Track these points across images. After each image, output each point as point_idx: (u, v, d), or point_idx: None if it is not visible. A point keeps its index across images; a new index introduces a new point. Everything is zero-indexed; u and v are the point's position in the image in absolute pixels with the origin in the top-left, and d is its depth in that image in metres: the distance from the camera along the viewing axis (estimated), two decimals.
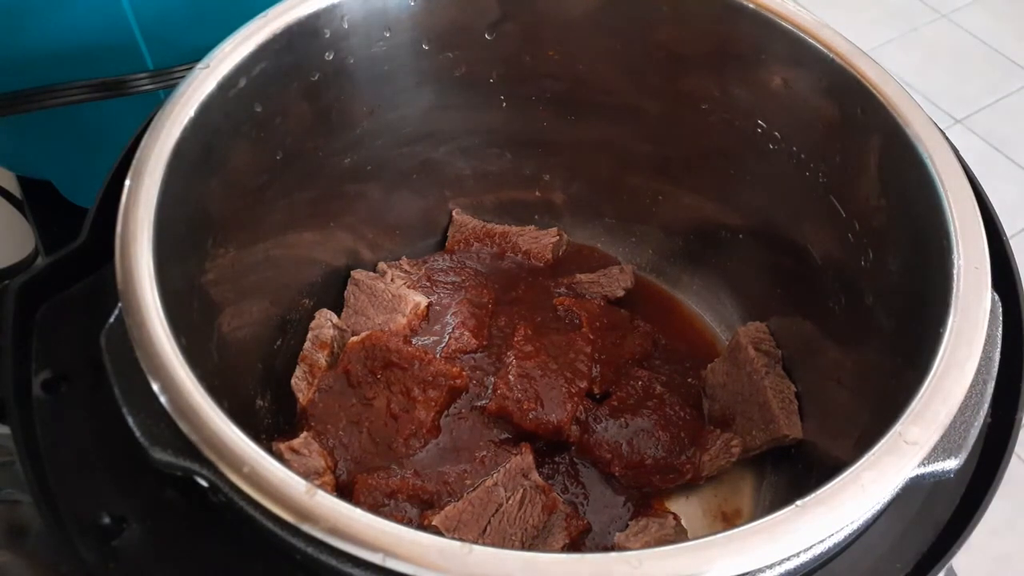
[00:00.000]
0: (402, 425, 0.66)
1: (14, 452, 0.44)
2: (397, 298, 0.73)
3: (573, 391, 0.68)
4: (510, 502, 0.61)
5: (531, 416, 0.66)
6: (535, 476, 0.63)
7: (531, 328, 0.73)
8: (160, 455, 0.41)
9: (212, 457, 0.39)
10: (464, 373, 0.68)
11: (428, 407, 0.66)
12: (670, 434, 0.68)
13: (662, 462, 0.67)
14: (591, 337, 0.72)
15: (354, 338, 0.69)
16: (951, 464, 0.42)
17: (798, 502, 0.38)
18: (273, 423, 0.67)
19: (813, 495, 0.39)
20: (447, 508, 0.59)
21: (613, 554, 0.36)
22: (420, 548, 0.36)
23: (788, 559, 0.38)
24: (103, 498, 0.43)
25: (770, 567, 0.38)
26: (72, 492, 0.43)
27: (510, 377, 0.68)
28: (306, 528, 0.37)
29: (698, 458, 0.67)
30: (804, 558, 0.39)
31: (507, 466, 0.63)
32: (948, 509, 0.46)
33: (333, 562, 0.38)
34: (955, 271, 0.47)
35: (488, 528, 0.60)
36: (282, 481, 0.38)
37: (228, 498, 0.40)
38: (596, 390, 0.70)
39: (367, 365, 0.67)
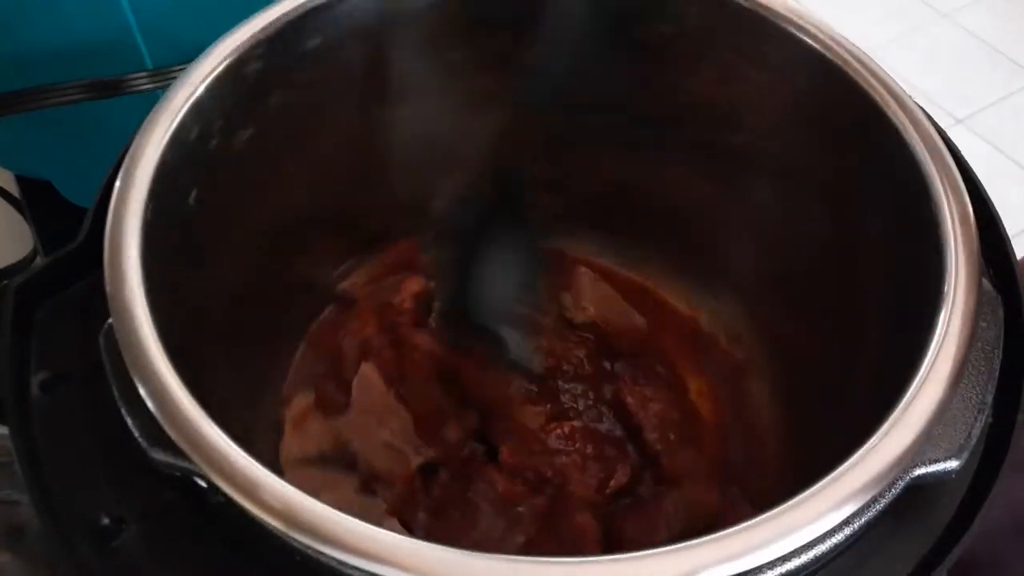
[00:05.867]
0: None
1: (12, 452, 0.44)
2: None
3: None
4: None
5: None
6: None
7: None
8: (159, 456, 0.40)
9: (202, 465, 0.38)
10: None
11: None
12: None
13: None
14: None
15: None
16: (951, 464, 0.42)
17: (797, 502, 0.38)
18: None
19: (813, 495, 0.39)
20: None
21: (612, 555, 0.36)
22: (419, 557, 0.36)
23: (787, 559, 0.38)
24: (102, 499, 0.43)
25: (768, 567, 0.38)
26: (70, 493, 0.43)
27: None
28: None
29: None
30: (804, 558, 0.39)
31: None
32: (948, 509, 0.46)
33: (334, 563, 0.38)
34: (954, 271, 0.47)
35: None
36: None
37: (228, 498, 0.40)
38: None
39: None
